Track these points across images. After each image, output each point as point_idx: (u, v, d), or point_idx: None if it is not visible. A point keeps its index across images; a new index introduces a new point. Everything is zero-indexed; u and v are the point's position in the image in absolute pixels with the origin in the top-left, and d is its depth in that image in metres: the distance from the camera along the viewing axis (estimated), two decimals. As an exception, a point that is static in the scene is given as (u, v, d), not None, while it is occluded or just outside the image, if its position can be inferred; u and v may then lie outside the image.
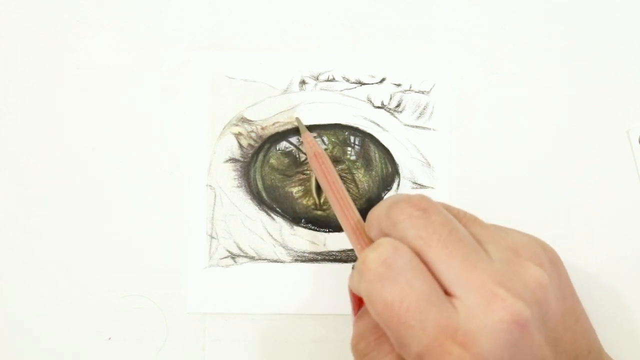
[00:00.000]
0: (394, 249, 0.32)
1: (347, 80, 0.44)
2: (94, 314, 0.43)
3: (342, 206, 0.38)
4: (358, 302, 0.36)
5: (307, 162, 0.43)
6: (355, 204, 0.39)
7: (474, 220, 0.35)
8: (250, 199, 0.44)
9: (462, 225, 0.34)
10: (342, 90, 0.44)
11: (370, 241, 0.35)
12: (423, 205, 0.33)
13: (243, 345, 0.43)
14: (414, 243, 0.32)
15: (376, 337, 0.34)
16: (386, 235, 0.34)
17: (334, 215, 0.42)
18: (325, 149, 0.44)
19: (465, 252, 0.32)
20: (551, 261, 0.35)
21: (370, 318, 0.34)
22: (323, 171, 0.40)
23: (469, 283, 0.31)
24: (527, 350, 0.31)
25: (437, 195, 0.43)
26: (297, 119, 0.43)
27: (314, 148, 0.41)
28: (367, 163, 0.44)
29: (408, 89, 0.44)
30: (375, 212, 0.35)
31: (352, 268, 0.35)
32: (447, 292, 0.32)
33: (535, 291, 0.32)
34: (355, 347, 0.35)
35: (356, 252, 0.36)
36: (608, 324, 0.43)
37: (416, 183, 0.44)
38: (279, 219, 0.44)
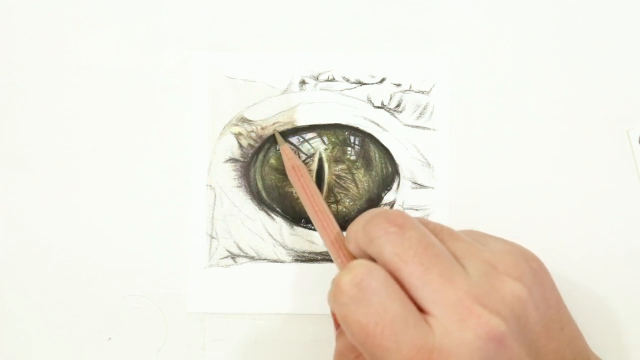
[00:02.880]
0: (367, 271, 0.32)
1: (347, 80, 0.44)
2: (94, 314, 0.43)
3: (321, 219, 0.38)
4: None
5: (307, 162, 0.43)
6: (355, 204, 0.39)
7: (451, 234, 0.35)
8: (250, 199, 0.44)
9: (439, 240, 0.34)
10: (342, 90, 0.44)
11: (350, 254, 0.35)
12: (399, 221, 0.33)
13: (243, 345, 0.43)
14: (390, 260, 0.32)
15: (355, 355, 0.34)
16: (363, 250, 0.34)
17: (334, 215, 0.42)
18: (325, 149, 0.44)
19: (441, 267, 0.32)
20: (533, 270, 0.34)
21: None
22: (302, 184, 0.40)
23: (445, 300, 0.31)
24: None
25: (437, 195, 0.43)
26: (275, 131, 0.43)
27: (292, 161, 0.41)
28: (367, 163, 0.44)
29: (408, 89, 0.44)
30: (353, 227, 0.34)
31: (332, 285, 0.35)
32: (422, 310, 0.32)
33: (513, 305, 0.32)
34: None
35: (336, 266, 0.36)
36: (607, 323, 0.43)
37: (416, 183, 0.44)
38: (279, 219, 0.44)
